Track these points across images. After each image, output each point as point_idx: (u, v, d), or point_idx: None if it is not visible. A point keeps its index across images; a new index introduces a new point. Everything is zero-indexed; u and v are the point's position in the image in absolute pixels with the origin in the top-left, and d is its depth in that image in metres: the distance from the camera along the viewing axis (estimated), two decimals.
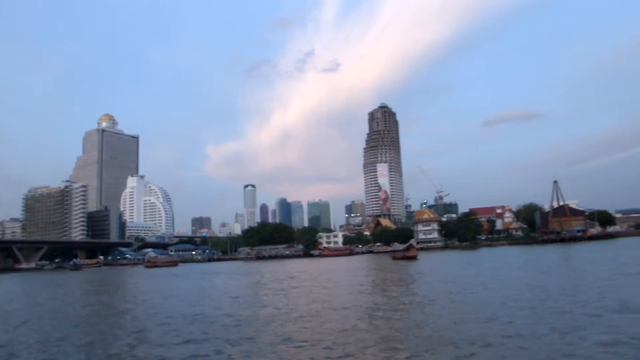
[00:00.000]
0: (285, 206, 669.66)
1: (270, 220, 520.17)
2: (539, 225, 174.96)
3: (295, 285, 48.92)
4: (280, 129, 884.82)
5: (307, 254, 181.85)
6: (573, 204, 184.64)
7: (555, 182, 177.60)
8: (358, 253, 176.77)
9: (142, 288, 59.53)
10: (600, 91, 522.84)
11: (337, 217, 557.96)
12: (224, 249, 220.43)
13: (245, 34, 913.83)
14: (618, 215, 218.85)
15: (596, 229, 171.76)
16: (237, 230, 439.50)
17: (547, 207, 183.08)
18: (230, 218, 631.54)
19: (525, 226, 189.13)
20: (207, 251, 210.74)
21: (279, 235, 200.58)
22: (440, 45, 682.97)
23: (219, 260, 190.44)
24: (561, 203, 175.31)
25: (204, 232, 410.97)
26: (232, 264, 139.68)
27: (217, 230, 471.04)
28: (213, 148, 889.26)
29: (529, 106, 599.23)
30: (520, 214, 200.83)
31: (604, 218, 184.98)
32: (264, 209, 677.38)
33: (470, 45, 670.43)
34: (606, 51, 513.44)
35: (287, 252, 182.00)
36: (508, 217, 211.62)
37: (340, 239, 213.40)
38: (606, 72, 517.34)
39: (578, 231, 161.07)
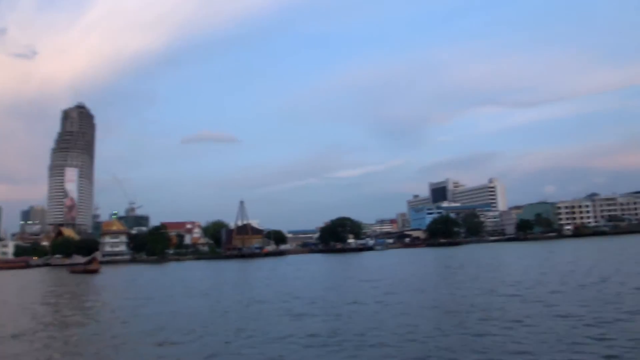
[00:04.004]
0: None
1: None
2: (224, 241, 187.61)
3: None
4: None
5: None
6: (255, 223, 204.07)
7: (241, 202, 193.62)
8: (34, 266, 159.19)
9: None
10: (284, 126, 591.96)
11: (10, 224, 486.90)
12: None
13: None
14: (289, 235, 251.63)
15: (272, 247, 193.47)
16: None
17: (232, 225, 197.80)
18: None
19: (212, 242, 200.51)
20: None
21: None
22: (148, 56, 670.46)
23: None
24: (245, 222, 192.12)
25: None
26: None
27: None
28: None
29: (227, 130, 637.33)
30: (208, 230, 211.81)
31: (278, 237, 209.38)
32: None
33: (177, 62, 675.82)
34: (289, 94, 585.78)
35: None
36: (197, 232, 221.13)
37: (11, 249, 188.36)
38: (290, 112, 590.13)
39: (257, 248, 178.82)
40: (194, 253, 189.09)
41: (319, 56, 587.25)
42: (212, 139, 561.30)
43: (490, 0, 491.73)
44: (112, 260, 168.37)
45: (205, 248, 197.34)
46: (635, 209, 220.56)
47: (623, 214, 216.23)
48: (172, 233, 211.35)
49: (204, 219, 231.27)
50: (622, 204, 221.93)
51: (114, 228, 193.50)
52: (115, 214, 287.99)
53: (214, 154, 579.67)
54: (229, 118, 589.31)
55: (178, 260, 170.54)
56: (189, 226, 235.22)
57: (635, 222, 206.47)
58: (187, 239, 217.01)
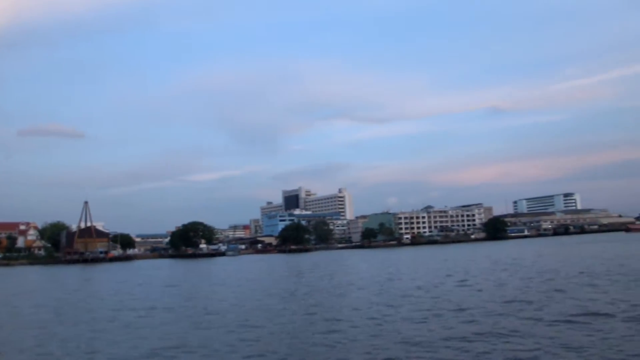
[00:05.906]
0: None
1: None
2: (64, 245, 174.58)
3: None
4: None
5: None
6: (100, 225, 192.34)
7: (86, 202, 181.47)
8: None
9: None
10: (139, 126, 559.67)
11: None
12: None
13: None
14: (138, 239, 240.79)
15: (118, 251, 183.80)
16: None
17: (75, 227, 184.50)
18: None
19: (49, 245, 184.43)
20: None
21: None
22: None
23: None
24: (89, 224, 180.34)
25: None
26: None
27: None
28: None
29: (73, 124, 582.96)
30: (45, 232, 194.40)
31: (125, 241, 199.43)
32: None
33: (16, 45, 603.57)
34: (146, 92, 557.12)
35: None
36: (32, 234, 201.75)
37: None
38: (147, 111, 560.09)
39: (101, 252, 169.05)
40: (28, 257, 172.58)
41: (181, 56, 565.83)
42: (56, 132, 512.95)
43: (349, 18, 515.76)
44: None
45: (42, 252, 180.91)
46: (463, 220, 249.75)
47: (452, 225, 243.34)
48: (1, 235, 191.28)
49: (42, 220, 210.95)
50: (452, 216, 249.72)
51: None
52: None
53: (57, 149, 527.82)
54: (77, 112, 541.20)
55: (8, 265, 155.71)
56: (22, 227, 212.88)
57: (462, 232, 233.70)
58: (20, 242, 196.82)
